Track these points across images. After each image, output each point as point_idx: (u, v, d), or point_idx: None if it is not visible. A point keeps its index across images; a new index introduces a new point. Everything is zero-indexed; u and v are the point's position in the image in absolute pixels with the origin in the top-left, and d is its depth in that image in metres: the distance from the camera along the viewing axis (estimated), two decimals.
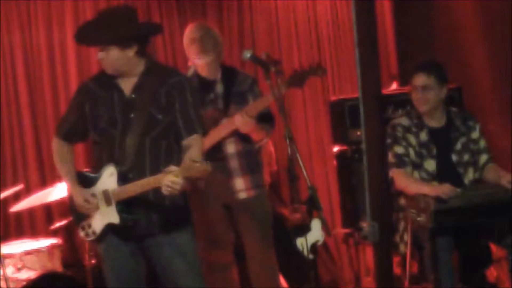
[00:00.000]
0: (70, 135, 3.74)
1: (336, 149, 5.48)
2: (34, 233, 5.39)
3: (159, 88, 3.60)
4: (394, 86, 5.96)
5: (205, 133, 3.78)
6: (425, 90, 4.31)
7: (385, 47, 6.32)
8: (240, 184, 4.47)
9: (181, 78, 3.69)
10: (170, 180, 3.32)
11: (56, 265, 4.74)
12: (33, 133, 5.64)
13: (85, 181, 3.64)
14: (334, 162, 5.58)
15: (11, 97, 5.60)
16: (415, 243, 4.22)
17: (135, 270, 3.70)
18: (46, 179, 5.49)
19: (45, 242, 4.83)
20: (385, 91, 5.52)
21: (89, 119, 3.64)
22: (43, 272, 4.53)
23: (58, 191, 4.82)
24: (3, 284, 4.37)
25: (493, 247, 4.50)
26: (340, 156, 5.44)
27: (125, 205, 3.55)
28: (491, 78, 5.56)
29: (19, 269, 4.57)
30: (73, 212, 3.71)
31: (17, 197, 5.02)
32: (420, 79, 4.32)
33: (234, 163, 4.44)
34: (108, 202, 3.56)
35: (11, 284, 4.39)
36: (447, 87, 4.42)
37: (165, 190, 3.37)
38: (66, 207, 4.83)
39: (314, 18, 6.24)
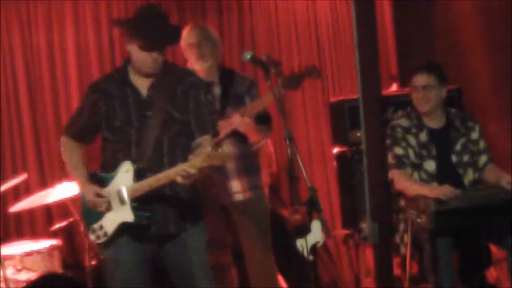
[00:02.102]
0: (81, 134, 3.74)
1: (336, 150, 5.48)
2: (34, 234, 5.40)
3: (176, 87, 3.64)
4: (394, 87, 5.96)
5: (215, 135, 3.80)
6: (425, 90, 4.31)
7: (385, 48, 6.31)
8: (236, 186, 4.46)
9: (196, 78, 3.79)
10: (185, 170, 3.34)
11: (56, 266, 4.74)
12: (33, 133, 5.64)
13: (98, 181, 3.63)
14: (334, 163, 5.58)
15: (11, 97, 5.61)
16: (415, 244, 4.22)
17: (146, 274, 3.68)
18: (46, 180, 5.49)
19: (45, 243, 4.83)
20: (385, 92, 5.52)
21: (103, 117, 3.64)
22: (43, 273, 4.53)
23: (58, 192, 4.82)
24: (3, 285, 4.37)
25: (493, 248, 4.50)
26: (340, 157, 5.44)
27: (140, 203, 3.54)
28: (491, 79, 5.56)
29: (19, 270, 4.57)
30: (85, 213, 3.69)
31: (17, 197, 5.01)
32: (421, 79, 4.33)
33: (231, 165, 4.44)
34: (122, 200, 3.55)
35: (11, 285, 4.39)
36: (447, 87, 4.42)
37: (180, 180, 3.38)
38: (66, 208, 4.88)
39: (314, 19, 6.24)
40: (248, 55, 3.89)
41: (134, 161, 3.55)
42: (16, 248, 4.79)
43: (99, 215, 3.61)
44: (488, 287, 4.70)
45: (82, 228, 4.74)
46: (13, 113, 5.61)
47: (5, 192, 4.93)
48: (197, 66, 4.45)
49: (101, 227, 3.60)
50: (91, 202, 3.59)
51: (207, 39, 4.44)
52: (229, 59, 5.90)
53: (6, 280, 4.36)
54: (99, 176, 3.66)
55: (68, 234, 5.43)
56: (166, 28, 3.61)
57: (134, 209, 3.54)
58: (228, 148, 3.44)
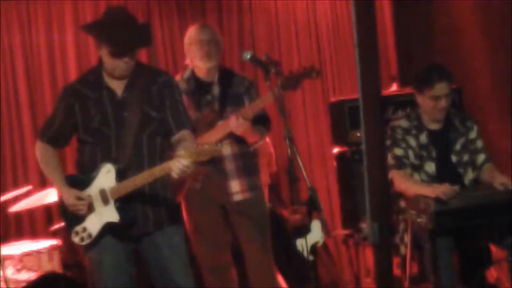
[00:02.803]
0: (56, 138, 3.74)
1: (336, 150, 5.48)
2: (34, 234, 5.40)
3: (150, 87, 3.67)
4: (394, 87, 5.95)
5: (195, 131, 3.83)
6: (447, 98, 4.29)
7: (385, 48, 6.32)
8: (235, 186, 4.46)
9: (169, 77, 3.84)
10: (183, 163, 3.37)
11: (56, 266, 4.74)
12: (33, 133, 5.63)
13: (77, 183, 3.63)
14: (334, 163, 5.58)
15: (11, 97, 5.60)
16: (415, 244, 4.22)
17: (130, 273, 3.71)
18: (46, 180, 5.48)
19: (45, 243, 4.83)
20: (385, 92, 5.52)
21: (79, 120, 3.65)
22: (43, 273, 4.53)
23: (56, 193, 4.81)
24: (3, 285, 4.37)
25: (493, 248, 4.50)
26: (340, 157, 5.44)
27: (123, 202, 3.56)
28: (491, 79, 5.56)
29: (19, 270, 4.57)
30: (65, 217, 3.69)
31: (17, 197, 5.01)
32: (444, 88, 4.26)
33: (229, 165, 4.44)
34: (105, 201, 3.56)
35: (11, 285, 4.39)
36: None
37: (176, 174, 3.41)
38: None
39: (314, 18, 6.24)
40: (248, 55, 3.89)
41: (114, 161, 3.57)
42: (16, 248, 4.78)
43: (81, 217, 3.61)
44: (488, 287, 4.69)
45: None
46: (13, 113, 5.60)
47: (5, 192, 4.92)
48: (201, 64, 4.43)
49: (84, 229, 3.61)
50: (72, 205, 3.59)
51: (215, 39, 4.45)
52: (229, 59, 5.90)
53: (6, 280, 4.36)
54: (77, 178, 3.67)
55: (68, 234, 5.42)
56: (134, 31, 3.60)
57: (118, 209, 3.55)
58: (215, 145, 3.49)
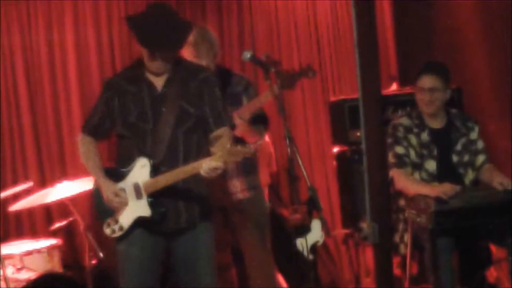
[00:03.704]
0: (96, 131, 3.76)
1: (336, 149, 5.48)
2: (34, 234, 5.40)
3: (189, 83, 3.68)
4: (394, 86, 5.95)
5: (233, 127, 3.83)
6: (432, 92, 4.30)
7: (385, 48, 6.31)
8: (235, 186, 4.46)
9: (209, 74, 3.83)
10: (213, 164, 3.40)
11: (56, 266, 4.74)
12: (33, 133, 5.64)
13: (113, 176, 3.65)
14: (334, 163, 5.58)
15: (11, 97, 5.60)
16: (415, 244, 4.22)
17: (156, 271, 3.71)
18: (46, 179, 5.49)
19: (45, 243, 4.83)
20: (385, 92, 5.52)
21: (118, 113, 3.67)
22: (43, 272, 4.53)
23: (58, 191, 4.82)
24: (3, 284, 4.37)
25: (493, 248, 4.50)
26: (340, 156, 5.44)
27: (155, 198, 3.57)
28: (491, 79, 5.56)
29: (19, 270, 4.57)
30: (99, 208, 3.70)
31: (16, 196, 5.01)
32: (428, 81, 4.31)
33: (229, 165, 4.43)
34: (138, 195, 3.57)
35: (11, 285, 4.39)
36: (451, 89, 4.42)
37: (205, 173, 3.43)
38: (66, 207, 4.87)
39: (313, 19, 6.24)
40: (248, 55, 3.89)
41: (149, 156, 3.58)
42: (16, 247, 4.79)
43: (113, 209, 3.63)
44: (488, 287, 4.69)
45: (82, 228, 4.75)
46: (13, 113, 5.61)
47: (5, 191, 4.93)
48: None
49: (116, 221, 3.62)
50: (108, 200, 3.61)
51: (203, 39, 4.43)
52: (229, 59, 5.90)
53: (6, 279, 4.36)
54: (114, 171, 3.68)
55: (68, 233, 5.44)
56: (168, 33, 3.57)
57: (151, 204, 3.57)
58: (249, 146, 3.48)
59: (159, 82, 3.66)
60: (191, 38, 4.42)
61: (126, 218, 3.61)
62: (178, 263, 3.72)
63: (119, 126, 3.68)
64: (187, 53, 4.44)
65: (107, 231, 3.64)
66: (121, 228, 3.61)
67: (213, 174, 3.45)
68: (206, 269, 3.72)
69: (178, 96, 3.63)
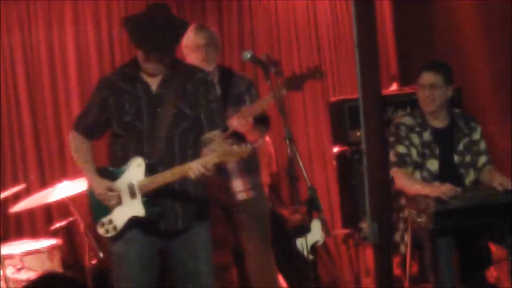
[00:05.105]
0: (90, 130, 3.73)
1: (336, 150, 5.48)
2: (34, 234, 5.40)
3: (185, 84, 3.66)
4: (394, 86, 5.96)
5: (225, 130, 3.83)
6: (432, 89, 4.29)
7: (385, 48, 6.32)
8: (238, 186, 4.46)
9: (205, 75, 3.80)
10: (203, 166, 3.39)
11: (56, 266, 4.74)
12: (33, 133, 5.64)
13: (107, 176, 3.64)
14: (334, 163, 5.58)
15: (11, 97, 5.61)
16: (415, 244, 4.22)
17: (153, 270, 3.69)
18: (46, 180, 5.50)
19: (45, 243, 4.83)
20: (385, 92, 5.52)
21: (113, 113, 3.64)
22: (43, 272, 4.53)
23: (58, 191, 4.82)
24: (3, 284, 4.37)
25: (493, 248, 4.50)
26: (340, 156, 5.44)
27: (150, 197, 3.55)
28: (491, 79, 5.56)
29: (19, 270, 4.57)
30: (93, 206, 3.69)
31: (17, 197, 5.01)
32: (428, 78, 4.30)
33: (231, 165, 4.43)
34: (132, 194, 3.56)
35: (11, 285, 4.39)
36: (453, 87, 4.41)
37: (193, 175, 3.42)
38: (66, 207, 4.88)
39: (314, 19, 6.24)
40: (248, 55, 3.89)
41: (145, 156, 3.57)
42: (16, 247, 4.78)
43: (108, 209, 3.62)
44: (488, 287, 4.69)
45: (82, 228, 4.75)
46: (13, 113, 5.61)
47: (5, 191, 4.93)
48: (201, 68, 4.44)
49: (110, 221, 3.61)
50: (101, 195, 3.60)
51: (213, 42, 4.44)
52: (229, 59, 5.90)
53: (6, 279, 4.36)
54: (108, 170, 3.67)
55: (68, 233, 5.43)
56: (166, 34, 3.55)
57: (145, 203, 3.55)
58: (245, 146, 3.46)
59: (154, 83, 3.64)
60: (201, 41, 4.40)
61: (120, 218, 3.59)
62: (176, 264, 3.70)
63: (114, 125, 3.66)
64: (195, 56, 4.43)
65: (101, 231, 3.62)
66: (114, 228, 3.59)
67: (202, 176, 3.43)
68: (205, 270, 3.70)
69: (174, 97, 3.62)
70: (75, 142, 3.76)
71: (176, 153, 3.60)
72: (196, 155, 3.57)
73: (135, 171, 3.57)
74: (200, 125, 3.66)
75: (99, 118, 3.69)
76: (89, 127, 3.72)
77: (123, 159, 3.61)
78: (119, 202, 3.59)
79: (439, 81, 4.30)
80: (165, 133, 3.59)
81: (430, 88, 4.29)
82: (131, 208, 3.57)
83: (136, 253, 3.62)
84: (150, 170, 3.55)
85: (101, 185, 3.60)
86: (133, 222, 3.58)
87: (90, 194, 3.69)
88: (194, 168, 3.41)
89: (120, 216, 3.59)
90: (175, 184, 3.57)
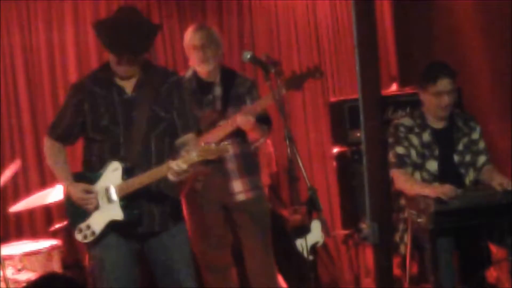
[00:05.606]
0: (64, 136, 3.73)
1: (336, 150, 5.48)
2: (33, 234, 5.40)
3: (160, 87, 3.65)
4: (394, 87, 5.95)
5: (199, 133, 3.82)
6: (449, 95, 4.27)
7: (385, 48, 6.32)
8: (238, 186, 4.47)
9: (179, 77, 3.82)
10: (180, 167, 3.39)
11: (56, 267, 4.74)
12: (33, 133, 5.63)
13: (83, 181, 3.63)
14: (334, 163, 5.58)
15: (11, 97, 5.61)
16: (415, 244, 4.22)
17: (133, 273, 3.70)
18: (46, 180, 5.49)
19: (44, 244, 4.83)
20: (385, 92, 5.52)
21: (88, 117, 3.63)
22: (43, 273, 4.53)
23: (58, 192, 4.81)
24: (3, 285, 4.37)
25: (493, 248, 4.50)
26: (339, 157, 5.44)
27: (128, 201, 3.55)
28: (491, 79, 5.56)
29: (19, 270, 4.57)
30: (70, 213, 3.68)
31: (17, 196, 5.01)
32: (447, 84, 4.24)
33: (231, 165, 4.44)
34: (110, 199, 3.56)
35: (11, 285, 4.39)
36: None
37: (172, 176, 3.43)
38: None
39: (314, 19, 6.24)
40: (248, 55, 3.90)
41: (122, 160, 3.56)
42: (16, 248, 4.78)
43: (85, 215, 3.61)
44: (488, 287, 4.69)
45: None
46: (13, 113, 5.61)
47: (5, 192, 4.92)
48: (200, 68, 4.46)
49: (88, 227, 3.59)
50: (79, 199, 3.59)
51: (211, 42, 4.44)
52: (229, 59, 5.90)
53: (6, 280, 4.36)
54: (84, 175, 3.67)
55: (68, 234, 5.40)
56: (135, 36, 3.52)
57: (123, 207, 3.55)
58: (224, 144, 3.47)
59: (128, 86, 3.64)
60: (197, 42, 4.42)
61: (97, 223, 3.58)
62: (155, 267, 3.70)
63: (89, 130, 3.65)
64: (194, 56, 4.44)
65: (79, 237, 3.61)
66: (93, 233, 3.59)
67: (179, 177, 3.44)
68: (184, 272, 3.68)
69: (149, 100, 3.61)
70: (50, 148, 3.76)
71: (153, 156, 3.60)
72: (172, 157, 3.56)
73: (112, 175, 3.56)
74: (174, 128, 3.66)
75: (73, 123, 3.68)
76: (63, 133, 3.72)
77: (98, 164, 3.61)
78: (96, 207, 3.58)
79: (454, 86, 4.29)
80: (141, 136, 3.58)
81: (448, 94, 4.26)
82: (109, 212, 3.56)
83: (114, 257, 3.62)
84: (127, 173, 3.55)
85: (78, 189, 3.59)
86: (111, 226, 3.58)
87: (66, 200, 3.68)
88: (174, 167, 3.41)
89: (98, 220, 3.58)
90: (151, 187, 3.57)
